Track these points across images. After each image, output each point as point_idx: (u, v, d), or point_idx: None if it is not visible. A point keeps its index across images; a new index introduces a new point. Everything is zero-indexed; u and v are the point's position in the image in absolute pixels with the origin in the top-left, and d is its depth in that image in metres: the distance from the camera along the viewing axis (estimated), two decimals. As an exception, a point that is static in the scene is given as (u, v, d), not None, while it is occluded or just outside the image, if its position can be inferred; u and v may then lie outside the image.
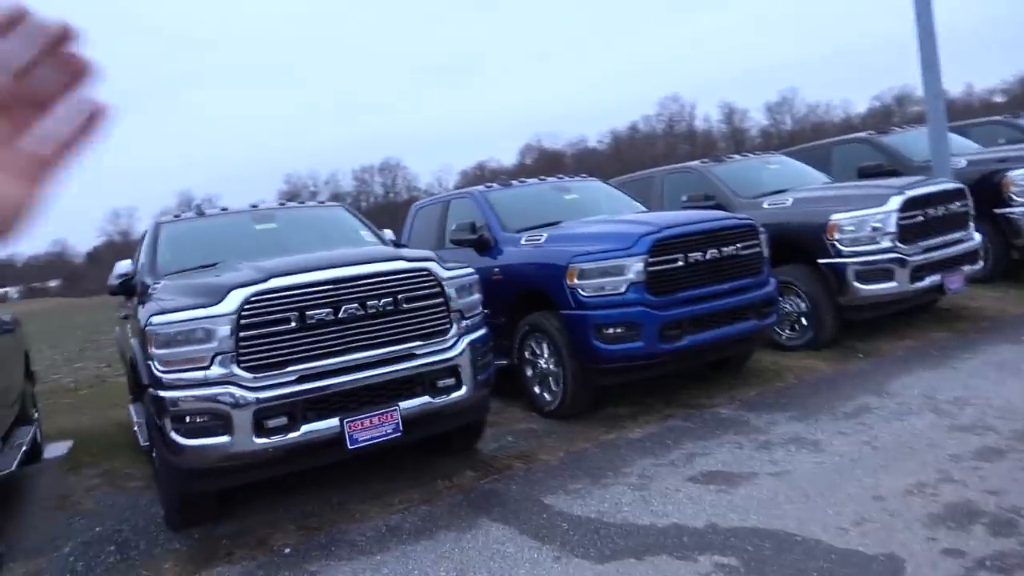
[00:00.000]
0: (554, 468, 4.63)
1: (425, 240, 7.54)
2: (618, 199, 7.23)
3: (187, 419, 3.75)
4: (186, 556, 4.01)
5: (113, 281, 5.03)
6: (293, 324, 3.84)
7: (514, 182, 7.28)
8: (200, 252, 5.08)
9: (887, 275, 6.37)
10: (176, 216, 5.64)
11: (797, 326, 6.84)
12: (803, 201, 6.92)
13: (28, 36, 0.47)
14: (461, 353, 4.33)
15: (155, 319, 3.79)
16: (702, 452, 4.57)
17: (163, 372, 3.79)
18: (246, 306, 3.76)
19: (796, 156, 9.60)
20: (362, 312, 3.99)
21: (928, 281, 6.45)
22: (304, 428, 3.84)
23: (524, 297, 5.90)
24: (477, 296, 4.63)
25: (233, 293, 3.76)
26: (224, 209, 5.78)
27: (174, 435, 3.77)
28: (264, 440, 3.77)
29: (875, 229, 6.41)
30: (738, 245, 5.55)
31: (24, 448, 5.40)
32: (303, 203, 6.42)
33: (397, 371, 4.08)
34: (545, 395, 5.73)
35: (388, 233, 6.01)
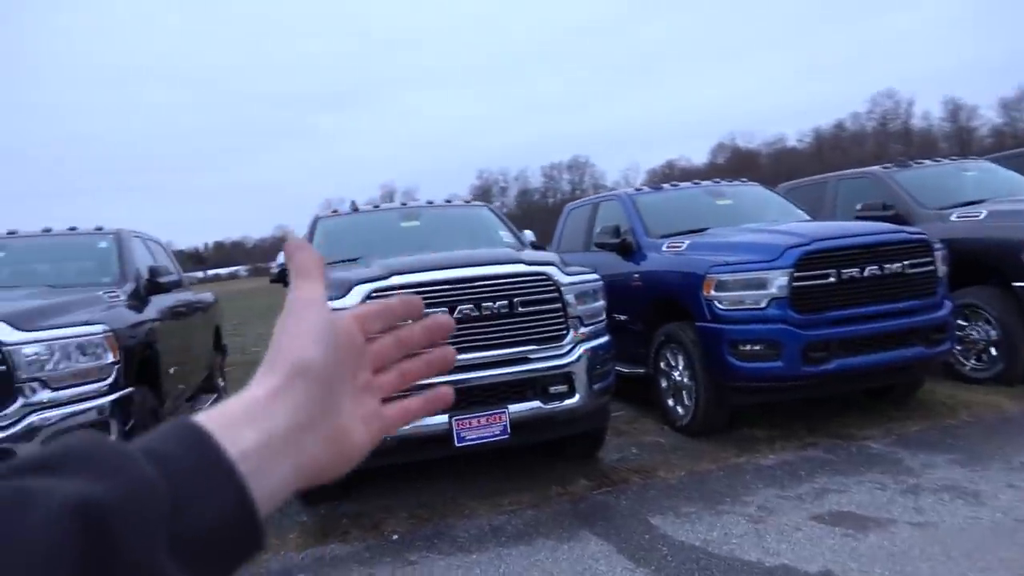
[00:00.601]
0: (671, 487, 4.43)
1: (574, 242, 7.52)
2: (779, 206, 6.76)
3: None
4: (309, 529, 4.30)
5: (274, 270, 5.51)
6: (409, 321, 3.97)
7: (666, 185, 7.03)
8: (348, 246, 5.42)
9: (1102, 304, 5.41)
10: (334, 212, 6.05)
11: (985, 356, 6.01)
12: (1000, 214, 6.04)
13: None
14: (577, 360, 4.26)
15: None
16: (837, 489, 4.15)
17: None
18: (367, 301, 3.94)
19: (1008, 162, 8.43)
20: (476, 313, 4.05)
21: None
22: (416, 422, 3.96)
23: (662, 306, 5.69)
24: (600, 303, 4.53)
25: (357, 288, 3.97)
26: (376, 207, 6.11)
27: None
28: (377, 430, 3.94)
29: (1088, 250, 5.46)
30: (906, 262, 4.97)
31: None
32: (449, 202, 6.63)
33: (508, 374, 4.10)
34: (678, 409, 5.49)
35: (528, 235, 6.05)
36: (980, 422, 5.08)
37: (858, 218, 6.89)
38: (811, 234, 4.96)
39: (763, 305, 4.83)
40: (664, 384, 5.65)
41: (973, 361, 6.10)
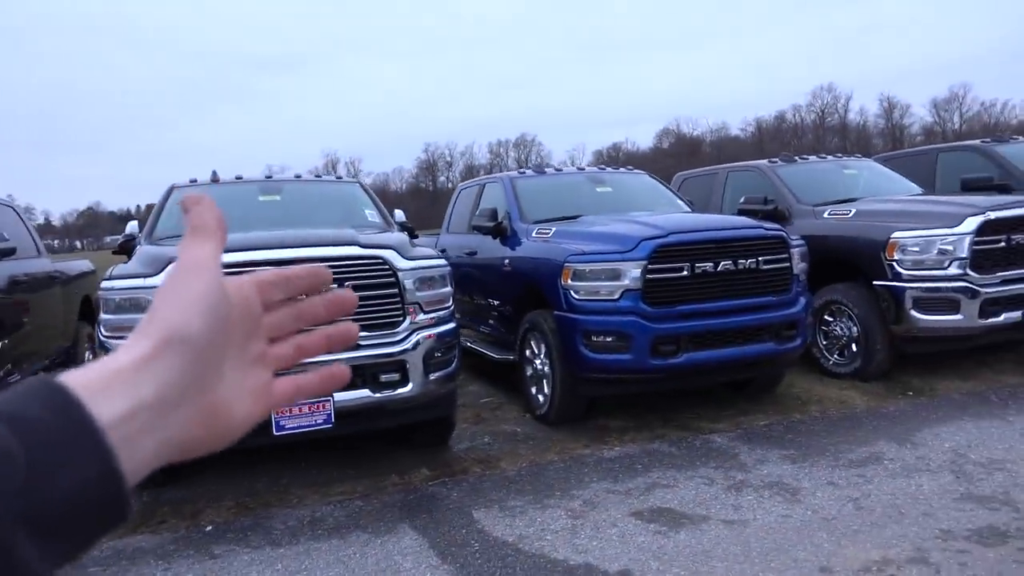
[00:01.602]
0: (508, 479, 4.36)
1: (461, 222, 7.37)
2: (660, 196, 6.73)
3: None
4: (124, 518, 4.08)
5: (117, 242, 5.20)
6: (228, 302, 3.77)
7: (549, 169, 6.93)
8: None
9: (951, 306, 5.54)
10: (192, 181, 5.75)
11: (846, 352, 6.13)
12: (867, 214, 6.14)
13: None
14: (412, 348, 4.13)
15: (103, 284, 3.85)
16: (666, 484, 4.15)
17: (106, 337, 3.85)
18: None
19: (894, 162, 8.62)
20: (302, 296, 3.86)
21: (1004, 318, 5.57)
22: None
23: (529, 292, 5.60)
24: (445, 289, 4.40)
25: (170, 266, 3.74)
26: (239, 178, 5.83)
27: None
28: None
29: (943, 252, 5.58)
30: (760, 258, 4.98)
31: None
32: (318, 177, 6.39)
33: (333, 361, 3.93)
34: (539, 397, 5.43)
35: (399, 215, 5.87)
36: (825, 417, 5.17)
37: (740, 211, 6.92)
38: (668, 227, 4.92)
39: (616, 296, 4.77)
40: (529, 372, 5.58)
41: (836, 356, 6.22)
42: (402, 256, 4.17)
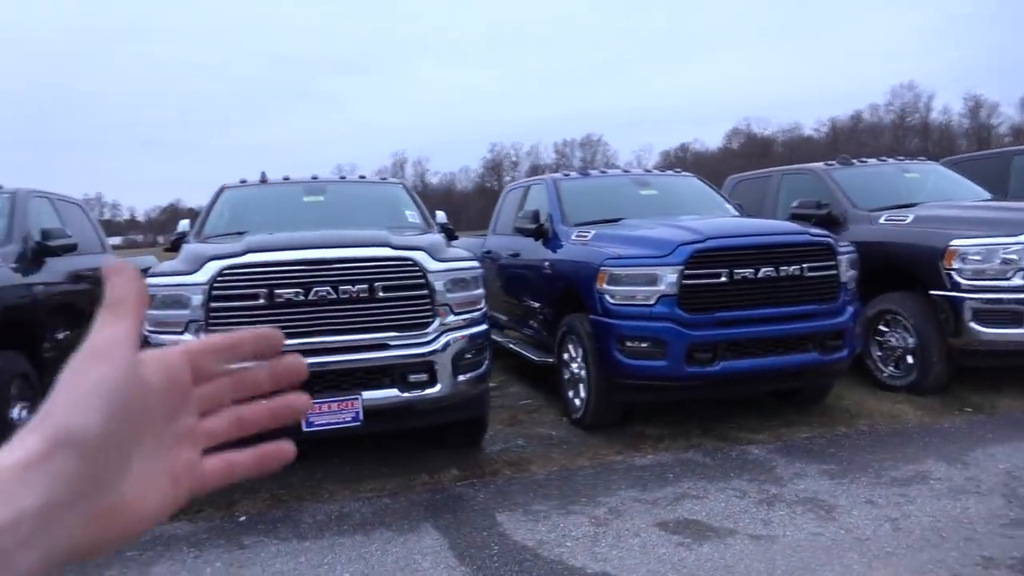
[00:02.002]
0: (536, 482, 4.35)
1: (507, 224, 7.38)
2: (708, 199, 6.59)
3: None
4: (164, 506, 4.24)
5: (173, 237, 5.41)
6: (262, 301, 3.88)
7: (594, 171, 6.87)
8: (248, 218, 5.30)
9: (1015, 319, 5.24)
10: (242, 182, 5.93)
11: (902, 364, 5.87)
12: (925, 220, 5.86)
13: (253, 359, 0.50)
14: (442, 349, 4.15)
15: (145, 281, 4.01)
16: (696, 495, 4.06)
17: (148, 332, 4.00)
18: (219, 278, 3.85)
19: (964, 166, 8.22)
20: (333, 296, 3.94)
21: (1073, 332, 5.23)
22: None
23: (567, 295, 5.57)
24: (476, 291, 4.41)
25: (208, 264, 3.87)
26: (286, 179, 5.99)
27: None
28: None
29: (1007, 262, 5.28)
30: (805, 265, 4.82)
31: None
32: (363, 178, 6.49)
33: (364, 360, 4.00)
34: (576, 401, 5.39)
35: (440, 216, 5.92)
36: (872, 432, 4.96)
37: (792, 215, 6.72)
38: (707, 231, 4.82)
39: (652, 302, 4.70)
40: (566, 376, 5.55)
41: (891, 368, 5.96)
42: (433, 258, 4.20)
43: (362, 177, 6.52)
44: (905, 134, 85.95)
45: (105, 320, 0.42)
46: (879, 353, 6.04)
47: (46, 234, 5.24)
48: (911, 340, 5.75)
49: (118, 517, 0.42)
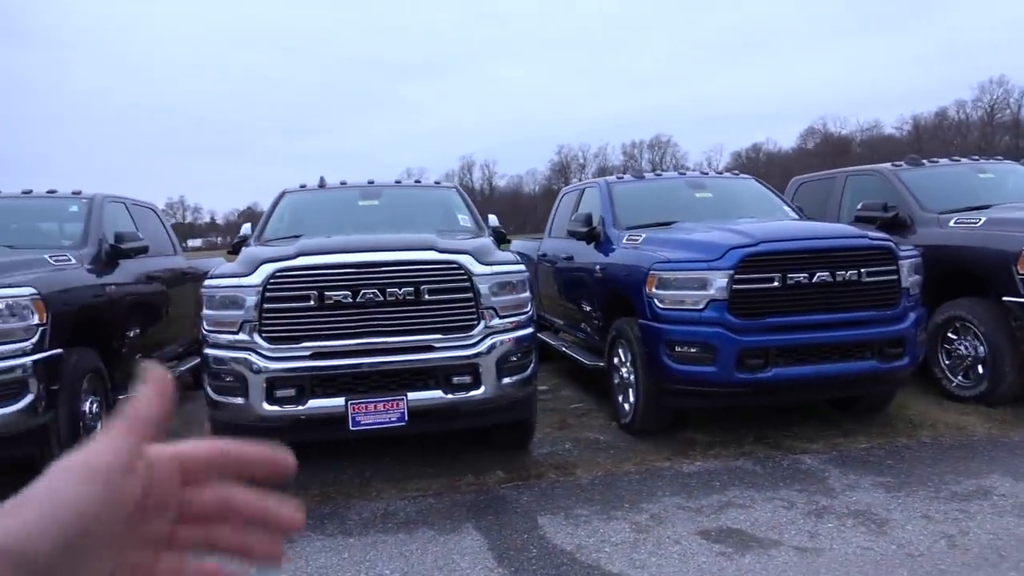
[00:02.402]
0: (581, 486, 4.34)
1: (562, 227, 7.38)
2: (766, 202, 6.44)
3: (219, 377, 4.11)
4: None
5: (235, 240, 5.63)
6: (312, 302, 4.00)
7: (648, 174, 6.80)
8: (306, 222, 5.48)
9: (1095, 327, 4.94)
10: (302, 186, 6.12)
11: (971, 373, 5.60)
12: (998, 223, 5.57)
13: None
14: (486, 352, 4.20)
15: (205, 282, 4.20)
16: (743, 504, 3.97)
17: (207, 331, 4.19)
18: (271, 280, 3.99)
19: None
20: (380, 298, 4.04)
21: None
22: (311, 403, 4.01)
23: (617, 299, 5.54)
24: (522, 295, 4.43)
25: (262, 267, 4.01)
26: (343, 183, 6.15)
27: (210, 390, 4.16)
28: (274, 407, 4.00)
29: (1086, 267, 4.99)
30: (863, 270, 4.66)
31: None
32: (418, 182, 6.60)
33: (410, 361, 4.08)
34: (625, 406, 5.36)
35: (493, 219, 5.97)
36: (936, 444, 4.75)
37: (857, 218, 6.51)
38: (759, 235, 4.71)
39: (701, 306, 4.63)
40: (616, 380, 5.52)
41: (960, 378, 5.70)
42: (478, 261, 4.24)
43: (417, 181, 6.64)
44: (995, 131, 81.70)
45: (114, 434, 0.42)
46: (947, 362, 5.79)
47: (119, 237, 5.52)
48: (981, 348, 5.48)
49: None
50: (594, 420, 5.69)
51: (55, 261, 4.79)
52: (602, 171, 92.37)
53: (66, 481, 0.39)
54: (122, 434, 0.42)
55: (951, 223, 5.92)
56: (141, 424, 0.43)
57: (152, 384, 0.44)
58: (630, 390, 5.24)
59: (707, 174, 6.82)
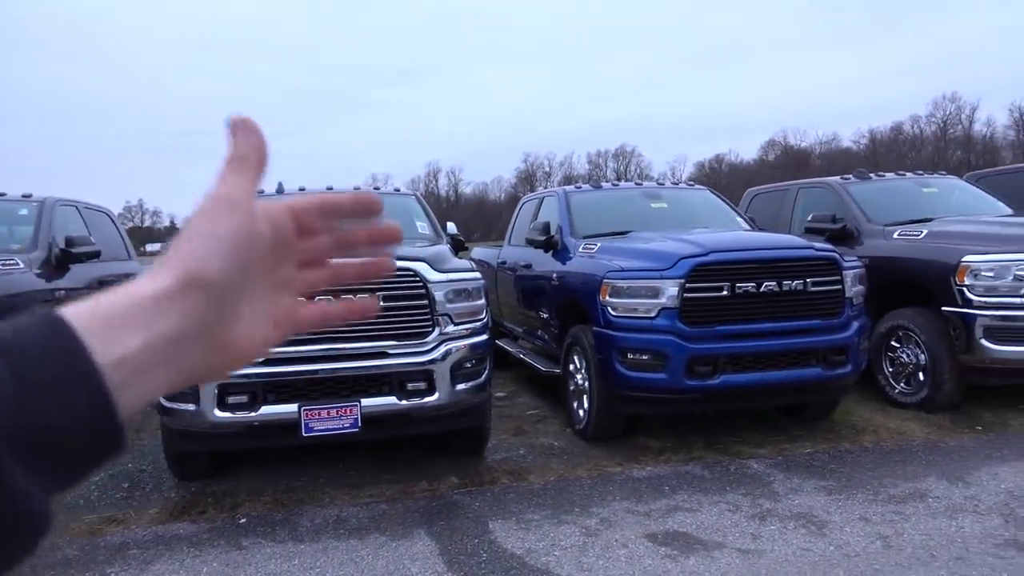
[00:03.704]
0: (533, 492, 4.39)
1: (521, 235, 7.45)
2: (719, 212, 6.59)
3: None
4: (171, 505, 4.38)
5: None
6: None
7: (606, 184, 6.91)
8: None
9: (1027, 336, 5.16)
10: (260, 192, 6.06)
11: (913, 381, 5.80)
12: (938, 235, 5.80)
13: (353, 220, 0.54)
14: (441, 359, 4.23)
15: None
16: (690, 508, 4.07)
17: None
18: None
19: (992, 180, 8.10)
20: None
21: (1089, 351, 5.13)
22: (263, 409, 4.00)
23: (573, 307, 5.62)
24: (477, 302, 4.49)
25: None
26: (302, 189, 6.12)
27: (161, 397, 4.12)
28: (226, 414, 3.99)
29: (1020, 278, 5.21)
30: (808, 280, 4.80)
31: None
32: (376, 188, 6.62)
33: (363, 367, 4.10)
34: (580, 412, 5.43)
35: (451, 227, 6.02)
36: (877, 449, 4.91)
37: (807, 230, 6.70)
38: (709, 245, 4.83)
39: (653, 315, 4.73)
40: (572, 387, 5.59)
41: (902, 385, 5.89)
42: (434, 268, 4.29)
43: (376, 188, 6.65)
44: (947, 146, 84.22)
45: (229, 175, 0.46)
46: (891, 369, 5.98)
47: (70, 241, 5.45)
48: (923, 356, 5.68)
49: (230, 350, 0.46)
50: (549, 426, 5.75)
51: (2, 264, 4.71)
52: (568, 179, 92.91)
53: (215, 217, 0.44)
54: (234, 170, 0.46)
55: (895, 235, 6.14)
56: (247, 161, 0.47)
57: (242, 127, 0.48)
58: (584, 396, 5.32)
59: (663, 184, 6.96)
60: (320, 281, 0.53)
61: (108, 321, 0.39)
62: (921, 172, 7.47)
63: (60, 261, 5.36)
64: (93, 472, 0.39)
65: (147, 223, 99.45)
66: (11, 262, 4.83)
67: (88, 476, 0.39)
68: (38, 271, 5.07)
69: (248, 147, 0.47)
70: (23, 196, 5.78)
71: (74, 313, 0.39)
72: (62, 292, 5.19)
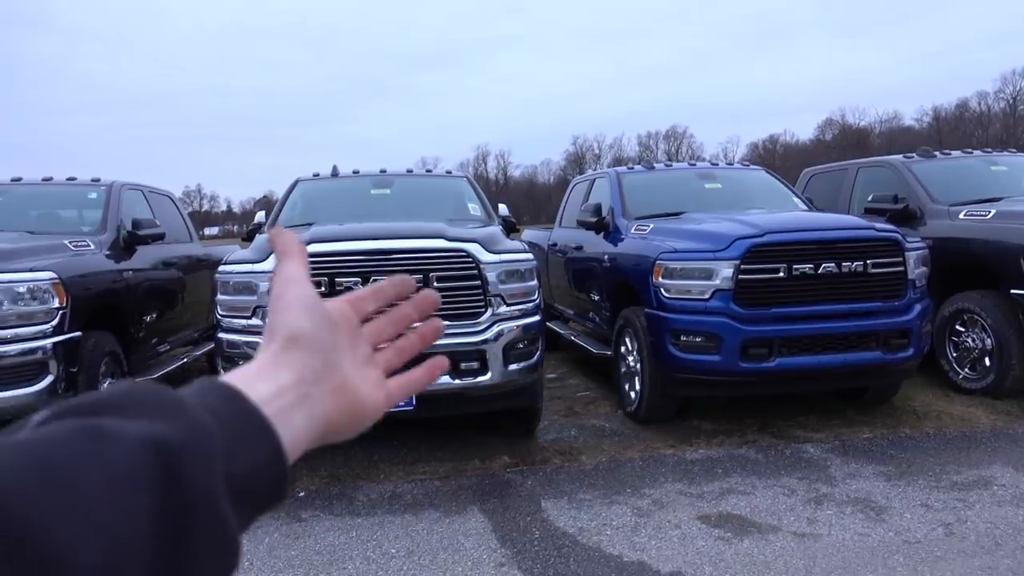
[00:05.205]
0: (584, 472, 4.41)
1: (572, 217, 7.43)
2: (775, 193, 6.45)
3: (232, 360, 4.21)
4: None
5: (249, 228, 5.73)
6: (323, 289, 4.08)
7: (659, 165, 6.83)
8: (318, 209, 5.57)
9: (1103, 321, 4.93)
10: (315, 175, 6.21)
11: (978, 366, 5.62)
12: (1007, 215, 5.57)
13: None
14: (493, 339, 4.27)
15: (220, 268, 4.31)
16: (743, 490, 4.04)
17: (221, 316, 4.29)
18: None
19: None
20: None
21: None
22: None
23: (625, 289, 5.59)
24: (529, 283, 4.50)
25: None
26: (356, 172, 6.23)
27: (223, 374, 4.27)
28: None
29: (1096, 260, 4.98)
30: (869, 261, 4.68)
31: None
32: (429, 171, 6.67)
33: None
34: (631, 394, 5.42)
35: (503, 209, 6.03)
36: (939, 435, 4.78)
37: (867, 210, 6.52)
38: (766, 226, 4.75)
39: (707, 296, 4.68)
40: (623, 369, 5.58)
41: (967, 370, 5.71)
42: (486, 249, 4.31)
43: (428, 171, 6.71)
44: (1017, 123, 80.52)
45: (282, 264, 0.54)
46: (955, 354, 5.80)
47: (137, 224, 5.64)
48: (989, 341, 5.49)
49: (352, 395, 0.52)
50: (600, 408, 5.76)
51: (74, 247, 4.91)
52: (617, 161, 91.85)
53: (287, 290, 0.52)
54: (286, 260, 0.54)
55: (961, 215, 5.92)
56: (292, 254, 0.55)
57: (278, 235, 0.56)
58: (636, 379, 5.30)
59: (717, 165, 6.84)
60: (390, 361, 0.59)
61: (243, 382, 0.45)
62: (989, 150, 7.18)
63: (127, 243, 5.56)
64: (259, 518, 0.43)
65: (205, 207, 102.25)
66: (83, 244, 5.03)
67: (254, 522, 0.43)
68: (107, 252, 5.27)
69: (286, 244, 0.55)
70: (92, 181, 6.00)
71: (223, 379, 0.45)
72: (130, 273, 5.38)
